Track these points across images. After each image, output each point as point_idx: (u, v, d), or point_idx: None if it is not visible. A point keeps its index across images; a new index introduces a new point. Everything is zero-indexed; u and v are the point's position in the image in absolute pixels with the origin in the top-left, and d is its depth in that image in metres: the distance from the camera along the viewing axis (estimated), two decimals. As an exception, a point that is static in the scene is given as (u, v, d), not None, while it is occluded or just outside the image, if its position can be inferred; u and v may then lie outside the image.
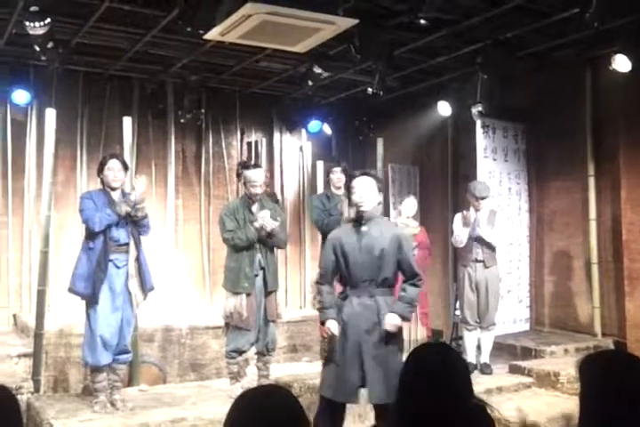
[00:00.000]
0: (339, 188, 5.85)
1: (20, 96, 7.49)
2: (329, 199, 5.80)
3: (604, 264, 7.08)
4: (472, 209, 6.18)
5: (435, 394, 1.82)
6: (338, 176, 5.86)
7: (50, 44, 6.02)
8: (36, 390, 5.42)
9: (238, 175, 5.28)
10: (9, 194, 7.69)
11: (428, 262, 6.97)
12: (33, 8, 5.25)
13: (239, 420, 1.65)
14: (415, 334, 6.49)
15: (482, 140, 7.20)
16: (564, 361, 6.20)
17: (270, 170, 9.31)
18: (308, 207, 6.16)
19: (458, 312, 7.80)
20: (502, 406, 4.43)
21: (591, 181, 7.13)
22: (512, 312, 7.39)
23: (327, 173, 5.95)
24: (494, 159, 7.35)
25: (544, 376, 5.97)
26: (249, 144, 9.32)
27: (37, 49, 6.12)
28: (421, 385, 1.84)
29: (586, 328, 7.20)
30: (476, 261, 6.13)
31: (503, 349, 6.94)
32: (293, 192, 9.65)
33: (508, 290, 7.34)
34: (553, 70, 7.14)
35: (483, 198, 6.13)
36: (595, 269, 7.10)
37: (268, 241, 5.12)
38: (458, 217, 6.27)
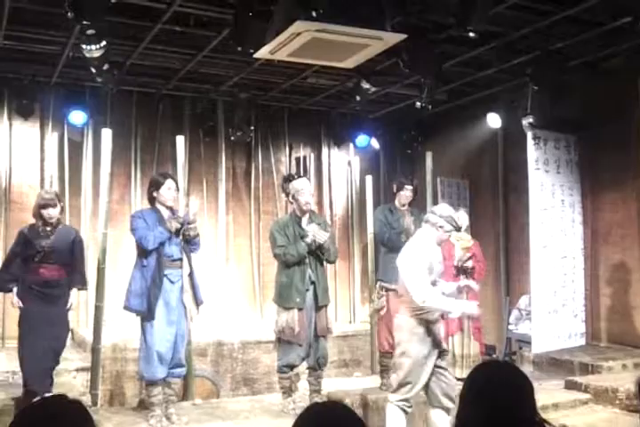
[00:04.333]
0: (404, 205, 5.83)
1: (77, 117, 7.74)
2: (392, 213, 5.78)
3: (662, 277, 6.90)
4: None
5: (497, 413, 1.79)
6: (408, 194, 5.82)
7: (105, 66, 6.22)
8: (94, 403, 5.54)
9: (285, 191, 5.32)
10: (66, 212, 7.87)
11: (483, 276, 6.88)
12: (89, 31, 5.42)
13: None
14: (468, 348, 6.40)
15: (533, 151, 7.10)
16: (622, 377, 6.03)
17: (319, 185, 9.37)
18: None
19: (511, 327, 7.68)
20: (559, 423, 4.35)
21: (647, 192, 6.97)
22: (567, 327, 7.23)
23: (398, 188, 5.88)
24: (546, 171, 7.24)
25: (602, 392, 5.80)
26: (297, 159, 9.40)
27: (93, 71, 6.32)
28: (483, 404, 1.82)
29: (644, 343, 7.00)
30: None
31: (559, 364, 6.80)
32: (342, 207, 9.68)
33: (562, 304, 7.19)
34: (605, 80, 7.01)
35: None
36: (653, 283, 6.91)
37: (319, 255, 5.14)
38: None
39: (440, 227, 4.28)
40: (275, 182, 9.15)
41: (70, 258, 5.25)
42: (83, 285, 5.43)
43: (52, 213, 5.17)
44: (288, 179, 5.33)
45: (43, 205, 5.18)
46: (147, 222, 4.79)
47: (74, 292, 5.35)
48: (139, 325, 4.87)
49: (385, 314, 5.67)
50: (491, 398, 1.81)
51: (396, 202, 5.87)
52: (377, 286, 5.81)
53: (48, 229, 5.19)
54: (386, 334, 5.66)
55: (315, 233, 5.02)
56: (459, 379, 4.87)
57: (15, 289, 5.15)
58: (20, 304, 5.12)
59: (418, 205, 6.40)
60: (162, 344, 4.72)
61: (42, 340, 4.99)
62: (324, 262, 5.37)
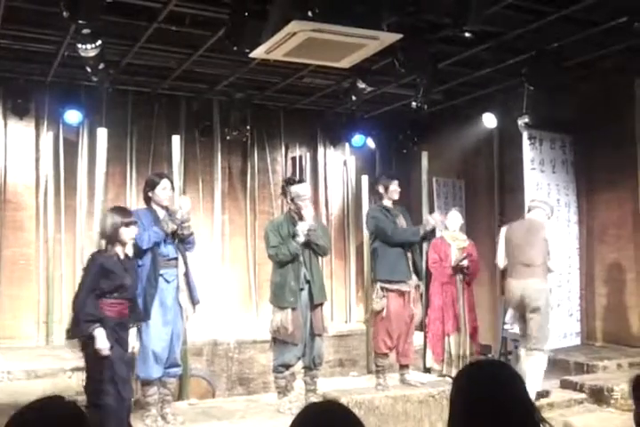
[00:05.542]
0: (394, 202, 5.74)
1: (72, 116, 7.72)
2: (389, 212, 5.66)
3: (657, 277, 6.92)
4: None
5: (491, 412, 1.76)
6: (397, 189, 5.68)
7: (101, 65, 6.22)
8: (89, 403, 5.50)
9: (284, 192, 5.32)
10: (62, 211, 7.90)
11: (477, 275, 6.90)
12: (85, 31, 5.42)
13: None
14: (464, 348, 6.42)
15: (528, 151, 7.13)
16: (617, 376, 6.06)
17: (314, 184, 9.37)
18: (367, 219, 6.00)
19: (507, 326, 7.67)
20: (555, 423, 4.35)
21: (642, 192, 6.98)
22: (562, 326, 7.25)
23: (386, 185, 5.70)
24: (542, 171, 7.26)
25: (597, 392, 5.83)
26: (293, 159, 9.41)
27: (89, 70, 6.32)
28: (475, 404, 1.79)
29: (639, 342, 7.02)
30: None
31: (554, 364, 6.79)
32: (338, 207, 9.68)
33: (557, 304, 7.21)
34: (601, 80, 7.04)
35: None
36: (647, 282, 6.94)
37: (314, 251, 5.14)
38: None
39: (547, 213, 5.79)
40: (271, 182, 9.16)
41: (135, 292, 4.46)
42: (142, 320, 4.58)
43: (134, 233, 4.36)
44: (289, 182, 5.31)
45: (126, 223, 4.27)
46: (142, 222, 4.77)
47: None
48: (134, 324, 4.85)
49: (385, 315, 5.50)
50: (481, 398, 1.78)
51: (386, 201, 5.70)
52: (377, 286, 5.58)
53: (123, 257, 4.31)
54: (383, 336, 5.54)
55: (305, 227, 5.02)
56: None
57: (102, 331, 4.08)
58: (108, 351, 4.09)
59: (410, 205, 6.37)
60: (157, 344, 4.71)
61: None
62: (320, 259, 5.36)
